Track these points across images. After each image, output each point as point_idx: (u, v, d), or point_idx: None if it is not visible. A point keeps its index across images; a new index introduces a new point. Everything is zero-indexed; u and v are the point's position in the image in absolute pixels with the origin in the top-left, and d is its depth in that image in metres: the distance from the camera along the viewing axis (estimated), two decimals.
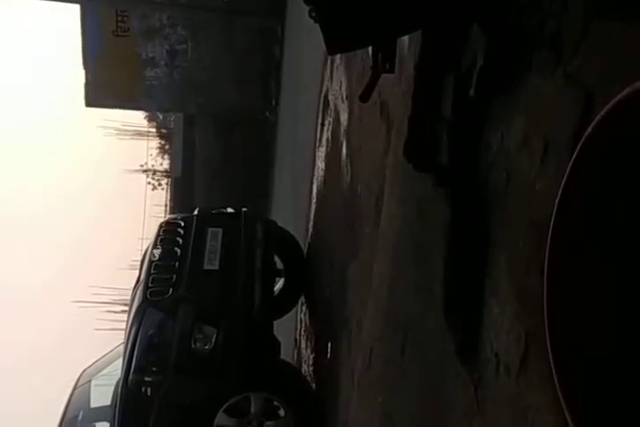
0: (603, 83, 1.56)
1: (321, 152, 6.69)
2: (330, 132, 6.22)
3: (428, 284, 2.42)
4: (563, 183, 1.42)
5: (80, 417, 5.89)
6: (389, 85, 3.58)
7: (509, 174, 1.97)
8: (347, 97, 5.43)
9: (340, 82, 5.76)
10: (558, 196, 1.43)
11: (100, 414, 5.66)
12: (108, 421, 5.21)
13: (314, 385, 5.59)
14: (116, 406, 4.84)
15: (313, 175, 7.08)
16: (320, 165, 6.68)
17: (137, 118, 19.61)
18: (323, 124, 6.72)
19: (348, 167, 5.04)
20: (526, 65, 1.90)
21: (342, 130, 5.48)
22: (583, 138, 1.33)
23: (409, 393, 2.58)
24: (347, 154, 5.19)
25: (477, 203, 2.09)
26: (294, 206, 8.82)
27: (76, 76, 13.38)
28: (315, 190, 6.93)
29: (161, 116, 19.90)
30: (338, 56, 5.53)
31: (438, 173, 2.25)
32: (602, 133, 1.30)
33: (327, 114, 6.49)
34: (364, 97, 2.46)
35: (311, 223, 6.94)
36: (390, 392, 2.80)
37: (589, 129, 1.30)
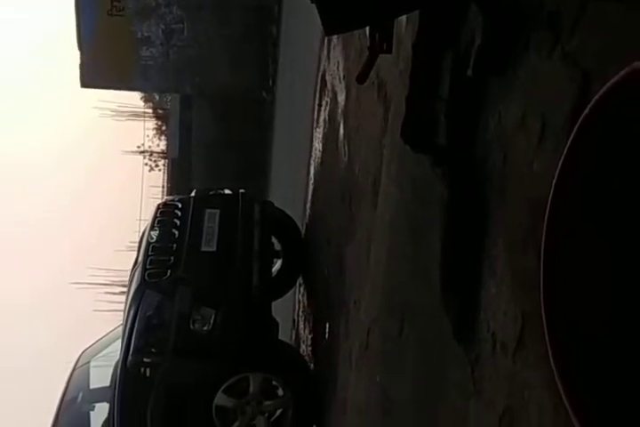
0: (601, 63, 1.55)
1: (318, 133, 6.68)
2: (327, 113, 6.20)
3: (424, 264, 2.43)
4: (560, 164, 1.42)
5: (79, 398, 5.93)
6: (387, 66, 3.56)
7: (507, 154, 1.97)
8: (344, 77, 5.41)
9: (338, 62, 5.74)
10: (555, 176, 1.43)
11: (99, 394, 5.70)
12: (107, 401, 5.25)
13: (312, 365, 5.63)
14: (115, 387, 4.87)
15: (310, 156, 7.07)
16: (317, 145, 6.67)
17: (133, 99, 19.53)
18: (320, 105, 6.70)
19: (346, 148, 5.03)
20: (524, 44, 1.89)
21: (339, 110, 5.46)
22: (580, 118, 1.32)
23: (406, 373, 2.60)
24: (344, 134, 5.18)
25: (475, 183, 2.09)
26: (292, 187, 8.82)
27: (70, 57, 13.30)
28: (312, 171, 6.92)
29: (157, 97, 19.81)
30: (335, 36, 5.49)
31: (435, 153, 2.25)
32: (599, 114, 1.29)
33: (324, 94, 6.47)
34: (361, 78, 2.45)
35: (309, 204, 6.95)
36: (388, 372, 2.82)
37: (587, 109, 1.30)
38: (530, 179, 1.83)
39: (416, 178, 2.60)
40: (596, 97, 1.29)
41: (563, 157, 1.41)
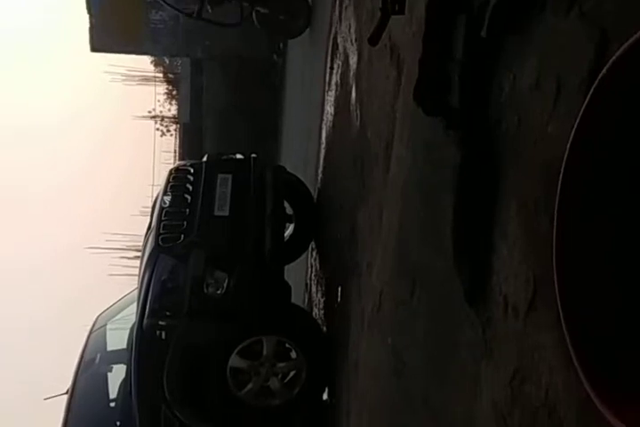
0: (619, 22, 1.52)
1: (330, 96, 6.63)
2: (339, 76, 6.14)
3: (437, 227, 2.43)
4: (575, 126, 1.41)
5: (97, 360, 6.04)
6: (400, 27, 3.51)
7: (521, 116, 1.95)
8: (356, 39, 5.35)
9: (349, 24, 5.66)
10: (570, 138, 1.42)
11: (116, 356, 5.80)
12: (124, 363, 5.34)
13: (325, 328, 5.68)
14: (131, 349, 4.95)
15: (322, 120, 7.02)
16: (329, 109, 6.63)
17: (143, 63, 19.40)
18: (332, 68, 6.63)
19: (358, 111, 5.00)
20: (540, 3, 1.86)
21: (351, 73, 5.41)
22: (597, 79, 1.31)
23: (418, 334, 2.62)
24: (356, 98, 5.14)
25: (488, 145, 2.08)
26: (303, 152, 8.79)
27: (80, 21, 13.20)
28: (324, 135, 6.89)
29: (167, 61, 19.67)
30: None
31: (448, 115, 2.23)
32: (616, 75, 1.28)
33: (336, 57, 6.40)
34: (374, 40, 2.42)
35: (320, 169, 6.93)
36: (400, 334, 2.85)
37: (604, 70, 1.28)
38: (544, 141, 1.81)
39: (428, 141, 2.58)
40: (614, 57, 1.28)
41: (578, 119, 1.40)
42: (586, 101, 1.36)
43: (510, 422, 1.87)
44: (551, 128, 1.79)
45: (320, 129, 7.10)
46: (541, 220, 1.75)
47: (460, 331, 2.23)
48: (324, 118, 6.89)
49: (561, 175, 1.43)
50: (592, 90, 1.33)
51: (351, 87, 5.37)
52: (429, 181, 2.57)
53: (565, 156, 1.44)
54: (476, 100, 2.18)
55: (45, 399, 6.67)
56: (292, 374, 5.02)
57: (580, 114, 1.38)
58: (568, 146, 1.43)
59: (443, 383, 2.37)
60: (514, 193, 1.94)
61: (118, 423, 5.41)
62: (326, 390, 5.26)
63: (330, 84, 6.68)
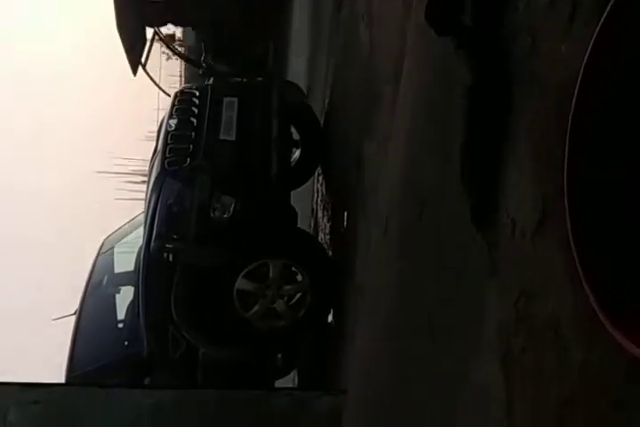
0: None
1: (339, 19, 6.47)
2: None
3: (446, 150, 2.41)
4: (590, 46, 1.37)
5: (105, 282, 6.14)
6: None
7: (535, 36, 1.90)
8: None
9: None
10: (585, 57, 1.39)
11: (123, 279, 5.89)
12: (132, 285, 5.43)
13: (330, 252, 5.74)
14: (139, 271, 5.02)
15: (329, 44, 6.88)
16: (337, 32, 6.48)
17: None
18: None
19: (367, 34, 4.89)
20: None
21: None
22: None
23: (424, 258, 2.64)
24: (366, 20, 5.02)
25: (500, 66, 2.03)
26: (311, 76, 8.65)
27: None
28: (332, 59, 6.77)
29: None
30: None
31: (461, 35, 2.17)
32: None
33: None
34: None
35: (328, 93, 6.84)
36: (406, 257, 2.87)
37: None
38: (558, 62, 1.77)
39: (439, 62, 2.53)
40: None
41: (593, 40, 1.36)
42: (602, 19, 1.32)
43: (515, 342, 1.90)
44: (565, 48, 1.74)
45: (328, 53, 6.97)
46: (553, 140, 1.73)
47: (466, 253, 2.24)
48: (332, 41, 6.75)
49: (575, 95, 1.40)
50: (609, 7, 1.29)
51: (361, 9, 5.23)
52: (440, 102, 2.54)
53: (580, 76, 1.41)
54: (489, 20, 2.12)
55: (54, 320, 6.81)
56: (297, 296, 5.11)
57: (596, 32, 1.34)
58: (583, 65, 1.39)
59: (447, 305, 2.40)
60: (525, 113, 1.91)
61: (126, 344, 5.54)
62: (331, 312, 5.35)
63: (340, 6, 6.52)
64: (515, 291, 1.90)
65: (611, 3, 1.29)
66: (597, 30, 1.35)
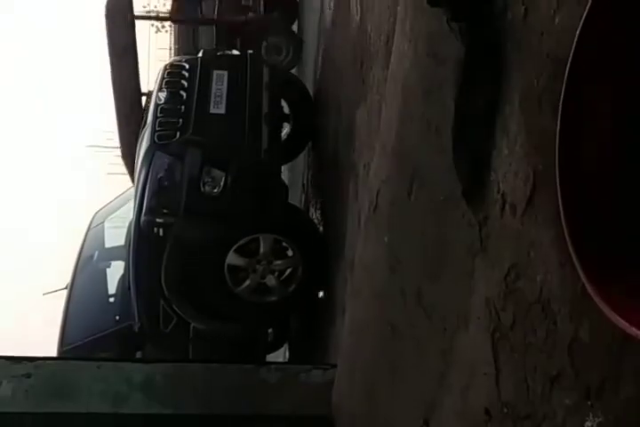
0: None
1: None
2: None
3: (437, 124, 2.38)
4: (583, 16, 1.35)
5: (95, 256, 6.12)
6: None
7: (528, 7, 1.87)
8: None
9: None
10: (578, 30, 1.36)
11: (114, 253, 5.88)
12: (122, 259, 5.41)
13: (321, 228, 5.73)
14: (129, 245, 5.01)
15: (320, 17, 6.81)
16: (328, 3, 6.41)
17: None
18: None
19: (358, 6, 4.83)
20: None
21: None
22: None
23: (414, 232, 2.63)
24: None
25: (492, 38, 2.01)
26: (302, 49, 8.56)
27: None
28: (322, 32, 6.69)
29: None
30: None
31: (453, 6, 2.14)
32: None
33: None
34: None
35: (319, 67, 6.78)
36: (396, 232, 2.86)
37: None
38: (551, 33, 1.74)
39: (431, 34, 2.49)
40: None
41: (587, 10, 1.34)
42: None
43: (503, 317, 1.90)
44: (559, 18, 1.72)
45: (319, 26, 6.89)
46: (545, 115, 1.71)
47: (455, 228, 2.23)
48: (324, 14, 6.67)
49: (567, 67, 1.38)
50: None
51: None
52: (431, 75, 2.51)
53: (573, 48, 1.38)
54: None
55: (44, 294, 6.81)
56: (288, 271, 5.11)
57: (590, 3, 1.32)
58: (576, 37, 1.37)
59: (437, 279, 2.40)
60: (517, 87, 1.89)
61: (117, 318, 5.55)
62: (322, 287, 5.36)
63: None
64: (504, 266, 1.89)
65: None
66: (590, 1, 1.32)
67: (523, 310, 1.79)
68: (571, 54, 1.39)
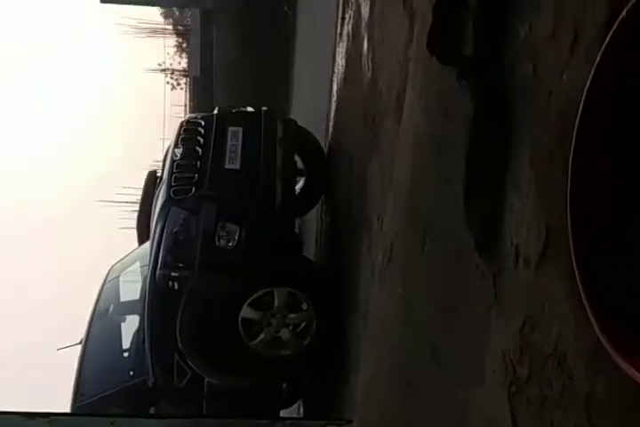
0: None
1: (341, 48, 6.54)
2: (350, 27, 6.05)
3: (449, 178, 2.42)
4: (591, 74, 1.38)
5: (111, 310, 6.12)
6: None
7: (536, 64, 1.92)
8: None
9: None
10: (586, 87, 1.40)
11: (129, 307, 5.87)
12: (137, 314, 5.41)
13: (335, 278, 5.72)
14: (145, 299, 5.01)
15: (333, 72, 6.94)
16: (340, 61, 6.55)
17: (153, 15, 19.16)
18: (343, 19, 6.52)
19: (369, 63, 4.93)
20: None
21: (363, 23, 5.33)
22: (616, 23, 1.28)
23: (428, 284, 2.63)
24: (368, 49, 5.07)
25: (502, 94, 2.05)
26: (314, 105, 8.71)
27: None
28: (335, 88, 6.82)
29: (177, 13, 19.41)
30: None
31: (462, 64, 2.19)
32: (636, 18, 1.25)
33: (348, 7, 6.29)
34: None
35: (331, 122, 6.88)
36: (410, 284, 2.86)
37: (623, 12, 1.25)
38: (559, 90, 1.79)
39: (441, 91, 2.55)
40: (632, 2, 1.25)
41: (594, 67, 1.37)
42: (603, 46, 1.33)
43: (519, 370, 1.89)
44: (567, 76, 1.76)
45: (331, 81, 7.03)
46: (555, 169, 1.74)
47: (470, 281, 2.24)
48: (336, 70, 6.81)
49: (577, 122, 1.41)
50: (610, 34, 1.30)
51: (363, 38, 5.29)
52: (442, 131, 2.55)
53: (581, 104, 1.41)
54: (490, 49, 2.14)
55: (59, 350, 6.78)
56: (302, 325, 5.08)
57: (598, 60, 1.36)
58: (584, 95, 1.40)
59: (452, 333, 2.39)
60: (527, 143, 1.92)
61: (131, 373, 5.51)
62: (336, 341, 5.32)
63: (341, 35, 6.59)
64: (519, 319, 1.89)
65: (611, 32, 1.31)
66: (598, 59, 1.36)
67: (538, 363, 1.78)
68: (579, 111, 1.42)
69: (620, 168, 1.41)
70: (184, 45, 20.47)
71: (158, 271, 4.81)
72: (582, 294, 1.36)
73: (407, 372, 2.82)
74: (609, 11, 1.57)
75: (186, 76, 20.05)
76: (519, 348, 1.88)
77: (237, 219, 4.92)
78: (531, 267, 1.87)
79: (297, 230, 5.64)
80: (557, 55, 1.81)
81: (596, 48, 1.51)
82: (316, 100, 8.54)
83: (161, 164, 6.24)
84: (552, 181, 1.76)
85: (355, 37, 5.77)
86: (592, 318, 1.33)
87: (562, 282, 1.67)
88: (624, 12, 1.25)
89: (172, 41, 20.90)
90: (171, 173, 5.29)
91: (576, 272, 1.39)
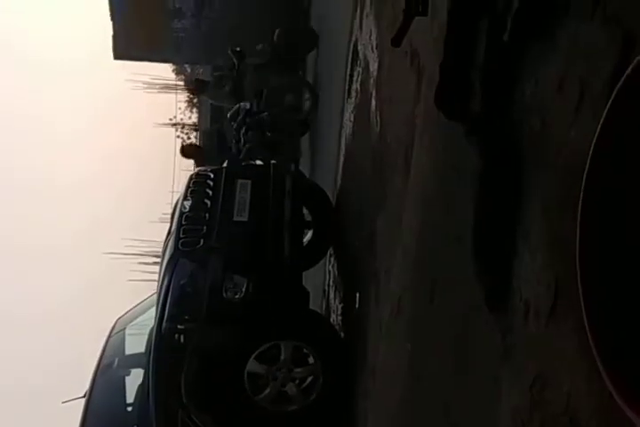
0: None
1: (350, 104, 6.64)
2: (359, 83, 6.15)
3: (457, 232, 2.42)
4: (598, 130, 1.40)
5: (115, 364, 6.05)
6: (420, 34, 3.51)
7: (543, 121, 1.94)
8: (376, 46, 5.36)
9: (370, 31, 5.67)
10: (593, 143, 1.41)
11: (134, 360, 5.81)
12: (142, 367, 5.35)
13: (342, 334, 5.67)
14: (150, 352, 4.96)
15: (342, 127, 7.03)
16: (349, 116, 6.64)
17: (165, 71, 19.57)
18: (352, 75, 6.65)
19: (378, 118, 5.00)
20: (563, 7, 1.85)
21: (372, 80, 5.42)
22: (622, 80, 1.30)
23: (437, 340, 2.61)
24: (376, 105, 5.15)
25: (510, 150, 2.07)
26: (323, 159, 8.79)
27: (103, 29, 13.35)
28: (343, 142, 6.90)
29: (189, 69, 19.81)
30: (368, 4, 5.43)
31: (470, 120, 2.22)
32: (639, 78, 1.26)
33: (356, 64, 6.41)
34: (397, 41, 2.42)
35: (340, 175, 6.94)
36: (419, 339, 2.83)
37: (628, 70, 1.27)
38: (567, 145, 1.80)
39: (449, 146, 2.58)
40: (636, 60, 1.27)
41: (601, 123, 1.39)
42: (609, 103, 1.35)
43: None
44: (574, 132, 1.78)
45: (339, 136, 7.11)
46: (564, 224, 1.74)
47: (479, 337, 2.22)
48: (344, 125, 6.90)
49: (584, 179, 1.42)
50: (616, 91, 1.32)
51: (371, 94, 5.37)
52: (450, 187, 2.57)
53: (589, 159, 1.43)
54: (497, 106, 2.18)
55: (63, 403, 6.69)
56: (309, 379, 5.01)
57: (604, 116, 1.37)
58: (591, 150, 1.42)
59: (462, 389, 2.35)
60: (536, 198, 1.93)
61: None
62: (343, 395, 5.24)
63: (350, 91, 6.70)
64: (530, 375, 1.86)
65: (617, 87, 1.33)
66: (605, 115, 1.37)
67: (550, 421, 1.75)
68: (587, 166, 1.43)
69: (629, 222, 1.41)
70: (195, 100, 20.82)
71: (164, 324, 4.78)
72: (593, 349, 1.35)
73: None
74: (614, 67, 1.60)
75: (196, 130, 20.33)
76: (530, 405, 1.85)
77: (245, 271, 4.91)
78: (541, 322, 1.86)
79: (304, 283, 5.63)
80: (564, 111, 1.83)
81: (603, 103, 1.53)
82: (324, 153, 8.63)
83: (170, 216, 6.27)
84: (561, 235, 1.76)
85: (363, 94, 5.86)
86: (603, 373, 1.31)
87: (573, 337, 1.66)
88: (629, 70, 1.27)
89: (183, 96, 21.30)
90: (179, 225, 5.31)
91: (586, 326, 1.37)
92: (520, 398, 1.90)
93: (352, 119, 6.43)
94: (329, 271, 7.03)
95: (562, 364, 1.73)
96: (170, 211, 6.75)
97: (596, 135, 1.40)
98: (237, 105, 9.23)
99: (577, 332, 1.62)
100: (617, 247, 1.41)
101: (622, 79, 1.29)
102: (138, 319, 6.32)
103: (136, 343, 5.89)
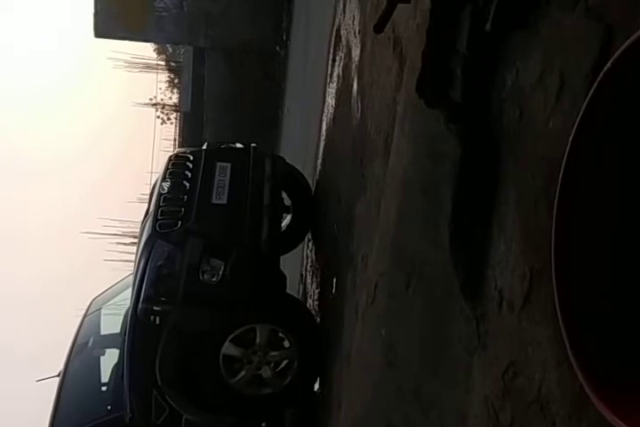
0: (625, 17, 1.52)
1: (331, 88, 6.62)
2: (341, 68, 6.13)
3: (435, 220, 2.43)
4: (577, 121, 1.41)
5: (90, 343, 6.05)
6: (403, 21, 3.50)
7: (523, 111, 1.95)
8: (359, 32, 5.33)
9: (353, 16, 5.65)
10: (572, 134, 1.42)
11: (109, 341, 5.81)
12: (117, 347, 5.34)
13: (318, 319, 5.69)
14: (125, 333, 4.95)
15: (323, 112, 7.02)
16: (330, 101, 6.62)
17: (146, 51, 19.37)
18: (334, 60, 6.62)
19: (359, 104, 4.99)
20: None
21: (354, 66, 5.40)
22: (602, 73, 1.30)
23: (412, 327, 2.63)
24: (357, 90, 5.13)
25: (489, 139, 2.08)
26: (303, 143, 8.78)
27: (85, 6, 13.17)
28: (324, 127, 6.88)
29: (170, 49, 19.63)
30: None
31: (450, 108, 2.22)
32: (621, 69, 1.27)
33: (339, 49, 6.39)
34: (379, 27, 2.42)
35: (320, 160, 6.93)
36: (394, 325, 2.85)
37: (608, 64, 1.28)
38: (545, 136, 1.81)
39: (429, 134, 2.58)
40: (618, 51, 1.27)
41: (580, 115, 1.40)
42: (589, 95, 1.36)
43: (502, 416, 1.88)
44: (553, 123, 1.79)
45: (320, 121, 7.10)
46: (540, 214, 1.75)
47: (453, 324, 2.24)
48: (325, 110, 6.88)
49: (562, 170, 1.43)
50: (596, 84, 1.33)
51: (353, 79, 5.36)
52: (429, 174, 2.57)
53: (567, 150, 1.44)
54: (478, 94, 2.18)
55: (37, 381, 6.68)
56: (284, 363, 5.03)
57: (583, 108, 1.38)
58: (570, 141, 1.43)
59: (435, 376, 2.38)
60: (513, 187, 1.95)
61: (109, 407, 5.42)
62: (318, 380, 5.27)
63: (331, 76, 6.68)
64: (502, 363, 1.89)
65: (598, 78, 1.33)
66: (585, 105, 1.38)
67: (521, 409, 1.77)
68: (565, 156, 1.44)
69: (605, 213, 1.42)
70: (176, 81, 20.67)
71: (140, 305, 4.77)
72: (565, 339, 1.36)
73: (389, 414, 2.80)
74: (594, 59, 1.60)
75: (176, 111, 20.19)
76: (502, 393, 1.87)
77: (222, 254, 4.90)
78: (514, 311, 1.88)
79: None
80: (544, 101, 1.84)
81: (583, 94, 1.54)
82: (305, 138, 8.61)
83: (148, 197, 6.23)
84: (537, 225, 1.77)
85: (345, 79, 5.85)
86: (574, 363, 1.33)
87: (546, 326, 1.68)
88: (609, 63, 1.28)
89: (164, 76, 21.11)
90: (157, 206, 5.28)
91: (559, 316, 1.39)
92: (492, 385, 1.93)
93: (333, 104, 6.41)
94: (307, 256, 7.05)
95: (534, 352, 1.75)
96: (148, 191, 6.72)
97: (575, 127, 1.41)
98: None
99: (550, 321, 1.64)
100: (592, 238, 1.43)
101: (601, 73, 1.30)
102: (114, 299, 6.31)
103: (112, 324, 5.88)
